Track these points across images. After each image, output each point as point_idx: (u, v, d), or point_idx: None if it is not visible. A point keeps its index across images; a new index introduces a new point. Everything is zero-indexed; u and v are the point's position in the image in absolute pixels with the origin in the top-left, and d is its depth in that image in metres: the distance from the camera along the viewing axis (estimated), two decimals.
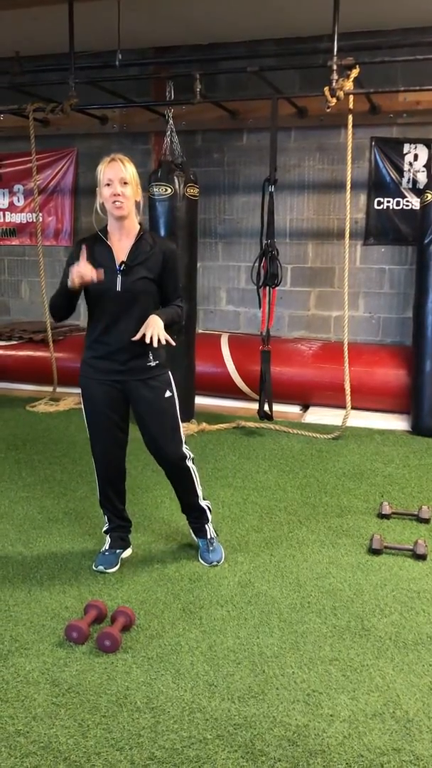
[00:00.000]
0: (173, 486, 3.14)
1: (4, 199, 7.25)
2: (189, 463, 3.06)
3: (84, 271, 2.73)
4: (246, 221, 6.39)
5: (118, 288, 2.84)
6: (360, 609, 2.77)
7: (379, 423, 5.42)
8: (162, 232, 5.10)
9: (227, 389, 5.82)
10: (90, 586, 2.91)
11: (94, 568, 3.06)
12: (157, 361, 2.94)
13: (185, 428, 5.11)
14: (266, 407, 5.23)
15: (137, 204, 2.91)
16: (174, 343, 2.83)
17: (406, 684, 2.31)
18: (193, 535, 3.24)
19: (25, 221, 7.21)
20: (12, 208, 7.25)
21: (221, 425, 5.29)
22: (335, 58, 4.58)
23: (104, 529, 3.18)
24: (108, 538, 3.15)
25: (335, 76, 4.61)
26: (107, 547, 3.13)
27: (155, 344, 2.77)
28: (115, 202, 2.82)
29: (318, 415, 5.60)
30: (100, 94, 5.84)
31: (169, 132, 5.21)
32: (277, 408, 5.40)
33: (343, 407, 5.15)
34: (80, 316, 7.14)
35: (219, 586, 2.93)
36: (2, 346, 6.52)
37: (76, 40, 5.00)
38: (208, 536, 3.17)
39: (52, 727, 2.09)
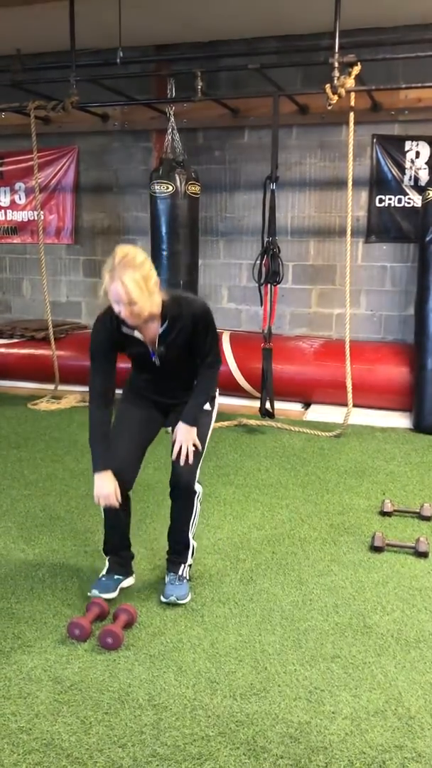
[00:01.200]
0: (172, 508, 2.85)
1: (6, 197, 7.25)
2: (197, 487, 2.81)
3: (110, 498, 2.65)
4: (247, 219, 6.38)
5: (157, 363, 2.76)
6: (362, 606, 2.77)
7: (380, 420, 5.41)
8: (163, 230, 5.11)
9: (229, 387, 5.81)
10: (91, 584, 2.91)
11: (89, 594, 2.78)
12: (206, 406, 2.85)
13: None
14: (268, 405, 5.23)
15: (154, 290, 2.59)
16: (201, 450, 2.77)
17: (408, 681, 2.31)
18: (166, 572, 2.89)
19: (26, 219, 7.21)
20: (13, 206, 7.25)
21: (223, 423, 5.29)
22: (337, 55, 4.57)
23: (103, 548, 2.93)
24: (107, 562, 2.90)
25: (337, 74, 4.61)
26: (105, 572, 2.87)
27: (190, 462, 2.71)
28: (129, 319, 2.59)
29: (320, 413, 5.60)
30: (102, 91, 5.83)
31: (170, 130, 5.22)
32: (279, 406, 5.40)
33: (345, 405, 5.15)
34: (81, 315, 7.16)
35: (221, 584, 2.93)
36: (4, 344, 6.53)
37: (78, 37, 5.00)
38: (179, 572, 2.84)
39: (54, 724, 2.09)
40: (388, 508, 3.66)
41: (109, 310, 2.64)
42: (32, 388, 6.33)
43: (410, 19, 5.41)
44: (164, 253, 5.15)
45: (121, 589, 2.85)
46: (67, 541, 3.33)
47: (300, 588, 2.91)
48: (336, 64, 4.59)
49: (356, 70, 4.68)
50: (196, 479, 2.80)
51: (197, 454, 2.78)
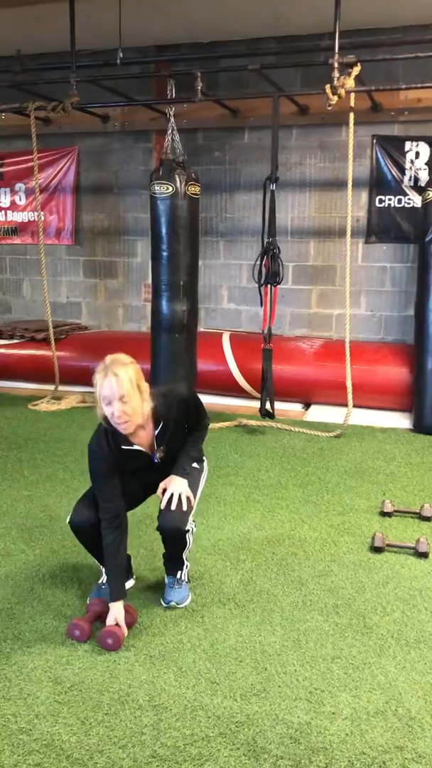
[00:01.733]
0: (163, 541, 2.78)
1: (6, 197, 7.25)
2: (188, 537, 2.75)
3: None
4: (247, 219, 6.39)
5: (156, 460, 2.73)
6: (362, 607, 2.77)
7: (380, 421, 5.42)
8: (163, 231, 5.11)
9: (229, 387, 5.82)
10: (92, 585, 2.91)
11: (87, 601, 2.75)
12: (194, 464, 2.84)
13: None
14: (268, 405, 5.23)
15: (143, 398, 2.59)
16: (193, 504, 2.73)
17: (409, 682, 2.31)
18: (165, 576, 2.87)
19: (26, 220, 7.21)
20: (14, 206, 7.25)
21: (223, 423, 5.29)
22: (336, 56, 4.58)
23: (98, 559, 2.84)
24: (104, 570, 2.79)
25: (336, 74, 4.61)
26: (104, 580, 2.77)
27: (181, 507, 2.64)
28: (119, 424, 2.54)
29: (320, 413, 5.61)
30: (102, 92, 5.84)
31: (170, 130, 5.21)
32: (279, 406, 5.40)
33: (345, 405, 5.15)
34: (81, 315, 7.16)
35: (221, 584, 2.93)
36: (4, 344, 6.53)
37: (78, 38, 5.00)
38: (177, 576, 2.83)
39: (54, 725, 2.09)
40: (389, 508, 3.66)
41: (102, 431, 2.62)
42: (32, 389, 6.33)
43: (410, 20, 5.42)
44: (164, 253, 5.14)
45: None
46: (67, 542, 3.33)
47: (300, 588, 2.91)
48: (336, 65, 4.59)
49: (356, 70, 4.69)
50: (189, 529, 2.72)
51: (189, 507, 2.69)
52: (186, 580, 2.85)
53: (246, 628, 2.61)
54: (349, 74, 4.67)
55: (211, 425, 5.23)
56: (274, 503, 3.85)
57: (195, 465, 2.83)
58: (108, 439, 2.62)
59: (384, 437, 5.09)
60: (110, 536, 2.61)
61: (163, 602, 2.78)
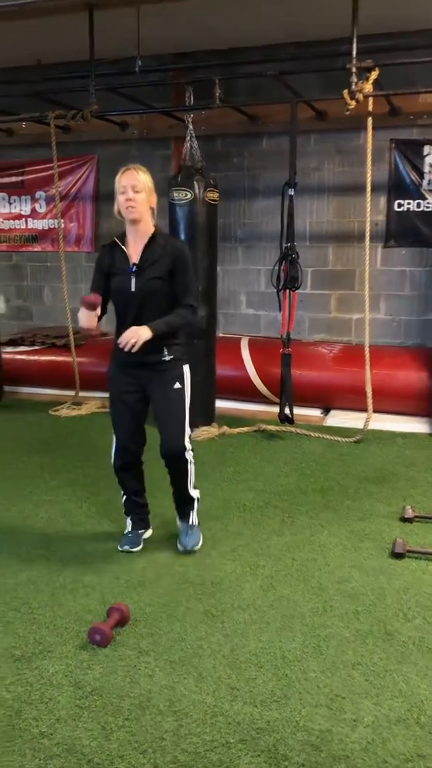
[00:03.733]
0: (169, 474, 3.29)
1: (27, 205, 7.32)
2: (188, 456, 3.21)
3: (87, 324, 3.12)
4: (266, 225, 6.39)
5: (132, 288, 3.10)
6: (383, 613, 2.75)
7: (401, 426, 5.38)
8: (182, 237, 5.12)
9: (248, 392, 5.82)
10: (113, 590, 2.93)
11: (119, 548, 3.28)
12: (172, 356, 3.16)
13: (206, 432, 5.16)
14: (287, 410, 5.22)
15: (152, 210, 3.15)
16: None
17: (431, 689, 2.28)
18: (177, 520, 3.41)
19: (47, 227, 7.28)
20: (34, 214, 7.32)
21: (242, 428, 5.29)
22: (354, 61, 4.57)
23: (123, 510, 3.41)
24: (129, 521, 3.38)
25: (354, 79, 4.60)
26: (129, 529, 3.37)
27: (126, 350, 3.01)
28: (128, 207, 3.06)
29: (339, 419, 5.58)
30: (120, 100, 5.88)
31: (188, 137, 5.24)
32: (298, 411, 5.39)
33: (365, 410, 5.12)
34: (102, 322, 7.20)
35: (241, 590, 2.93)
36: (25, 351, 6.58)
37: (97, 47, 5.05)
38: (190, 521, 3.34)
39: (75, 730, 2.10)
40: (409, 514, 3.64)
41: (118, 234, 3.19)
42: (53, 395, 6.38)
43: (428, 23, 5.39)
44: None
45: (144, 593, 2.86)
46: (88, 547, 3.35)
47: (320, 594, 2.90)
48: (354, 70, 4.58)
49: (374, 75, 4.68)
50: (186, 447, 3.19)
51: (182, 419, 3.17)
52: (197, 523, 3.35)
53: (266, 633, 2.61)
54: (367, 79, 4.66)
55: (230, 430, 5.27)
56: (293, 509, 3.84)
57: (177, 385, 3.17)
58: (112, 240, 3.21)
59: (404, 442, 5.05)
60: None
61: (179, 547, 3.27)
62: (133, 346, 2.99)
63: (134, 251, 3.13)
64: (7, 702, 2.23)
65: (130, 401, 3.20)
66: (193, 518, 3.36)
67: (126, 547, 3.28)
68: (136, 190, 3.06)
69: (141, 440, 3.28)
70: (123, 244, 3.16)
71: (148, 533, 3.43)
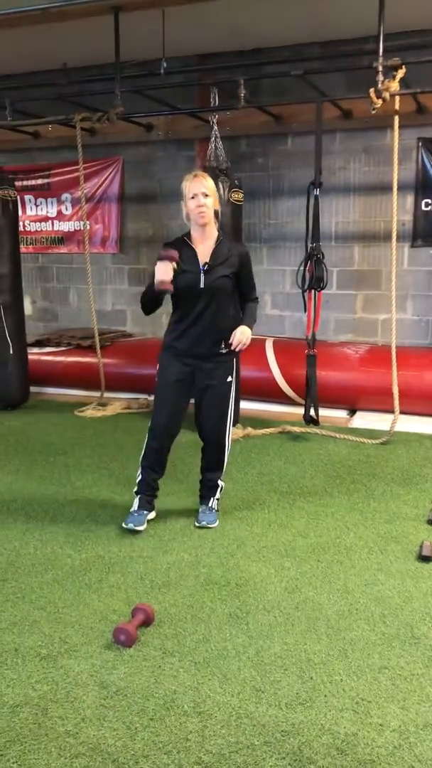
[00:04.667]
0: (204, 458, 3.59)
1: (53, 207, 7.39)
2: (227, 442, 3.52)
3: (164, 276, 3.21)
4: (291, 225, 6.37)
5: (202, 285, 3.31)
6: (409, 617, 2.72)
7: (428, 427, 5.32)
8: None
9: (273, 394, 5.80)
10: (137, 590, 2.93)
11: (123, 525, 3.49)
12: (227, 349, 3.40)
13: (231, 433, 5.15)
14: (312, 412, 5.19)
15: (216, 213, 3.37)
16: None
17: None
18: (199, 502, 3.66)
19: (72, 229, 7.33)
20: (60, 216, 7.38)
21: (267, 430, 5.27)
22: (380, 59, 4.53)
23: (135, 489, 3.62)
24: (137, 500, 3.59)
25: (381, 77, 4.56)
26: (136, 508, 3.57)
27: (238, 350, 3.35)
28: (200, 212, 3.27)
29: (365, 420, 5.54)
30: (145, 102, 5.90)
31: (213, 138, 5.24)
32: (324, 413, 5.36)
33: (391, 412, 5.07)
34: (127, 323, 7.24)
35: (266, 592, 2.92)
36: (51, 352, 6.64)
37: (122, 49, 5.07)
38: (210, 504, 3.61)
39: (100, 729, 2.11)
40: None
41: (184, 234, 3.38)
42: (79, 396, 6.42)
43: None
44: None
45: (168, 594, 2.86)
46: (113, 547, 3.36)
47: (346, 597, 2.87)
48: (380, 68, 4.54)
49: (401, 73, 4.62)
50: (227, 435, 3.50)
51: (225, 412, 3.47)
52: (216, 509, 3.61)
53: (291, 636, 2.59)
54: (394, 77, 4.61)
55: (255, 431, 5.27)
56: (318, 510, 3.81)
57: (228, 378, 3.46)
58: (179, 238, 3.40)
59: None
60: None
61: (196, 523, 3.52)
62: (239, 343, 3.31)
63: (203, 251, 3.34)
64: (33, 700, 2.24)
65: (179, 387, 3.43)
66: (213, 503, 3.63)
67: (130, 525, 3.47)
68: (206, 195, 3.27)
69: (179, 426, 3.52)
70: (191, 243, 3.35)
71: (151, 515, 3.61)
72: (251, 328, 3.40)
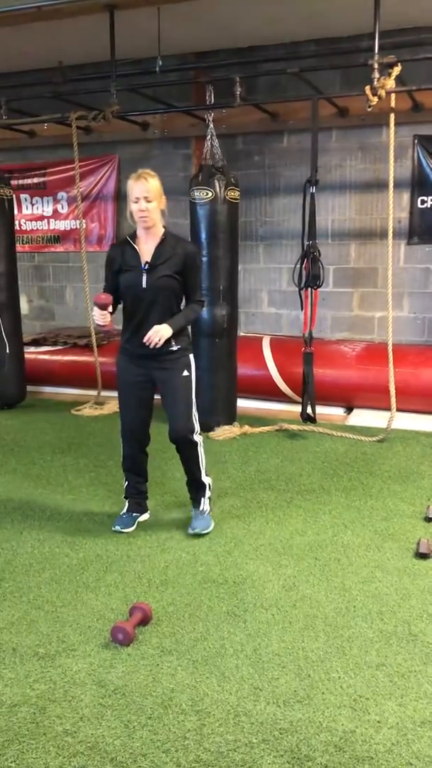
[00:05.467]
0: (181, 459, 3.49)
1: (49, 206, 7.38)
2: (196, 438, 3.42)
3: (102, 322, 3.27)
4: (287, 223, 6.37)
5: (144, 285, 3.27)
6: (407, 614, 2.72)
7: (425, 425, 5.32)
8: (203, 236, 5.12)
9: (269, 392, 5.80)
10: (135, 589, 2.93)
11: (112, 528, 3.50)
12: (179, 346, 3.35)
13: (227, 431, 5.15)
14: (309, 409, 5.19)
15: (162, 212, 3.31)
16: (174, 347, 3.33)
17: None
18: (191, 507, 3.59)
19: (68, 228, 7.32)
20: (56, 215, 7.37)
21: (264, 428, 5.28)
22: (376, 57, 4.53)
23: (123, 495, 3.65)
24: (126, 503, 3.61)
25: (376, 75, 4.56)
26: (125, 511, 3.60)
27: (151, 347, 3.23)
28: (141, 217, 3.24)
29: (362, 418, 5.54)
30: (141, 100, 5.89)
31: (209, 136, 5.23)
32: (320, 410, 5.36)
33: (388, 409, 5.08)
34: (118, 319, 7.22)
35: (263, 590, 2.92)
36: (48, 351, 6.63)
37: (117, 48, 5.06)
38: (200, 507, 3.54)
39: (98, 728, 2.11)
40: None
41: (130, 233, 3.35)
42: (76, 395, 6.42)
43: None
44: (204, 258, 5.15)
45: (166, 593, 2.86)
46: (111, 546, 3.36)
47: (343, 595, 2.88)
48: (376, 66, 4.54)
49: (396, 70, 4.62)
50: (192, 422, 3.38)
51: (189, 404, 3.36)
52: (208, 509, 3.55)
53: (289, 633, 2.59)
54: (390, 74, 4.61)
55: (252, 429, 5.27)
56: (316, 508, 3.82)
57: (185, 372, 3.36)
58: (124, 238, 3.39)
59: (429, 441, 5.00)
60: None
61: (189, 530, 3.43)
62: (156, 342, 3.22)
63: (146, 250, 3.30)
64: (31, 699, 2.24)
65: (139, 389, 3.40)
66: (204, 505, 3.55)
67: (117, 527, 3.50)
68: (149, 200, 3.22)
69: (147, 429, 3.50)
70: (134, 243, 3.32)
71: (144, 517, 3.63)
72: (173, 328, 3.25)
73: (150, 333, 3.23)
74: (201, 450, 3.48)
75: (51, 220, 7.39)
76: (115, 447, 4.89)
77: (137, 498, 3.62)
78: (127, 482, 3.62)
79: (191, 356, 3.43)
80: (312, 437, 5.13)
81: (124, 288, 3.32)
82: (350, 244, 6.26)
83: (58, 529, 3.56)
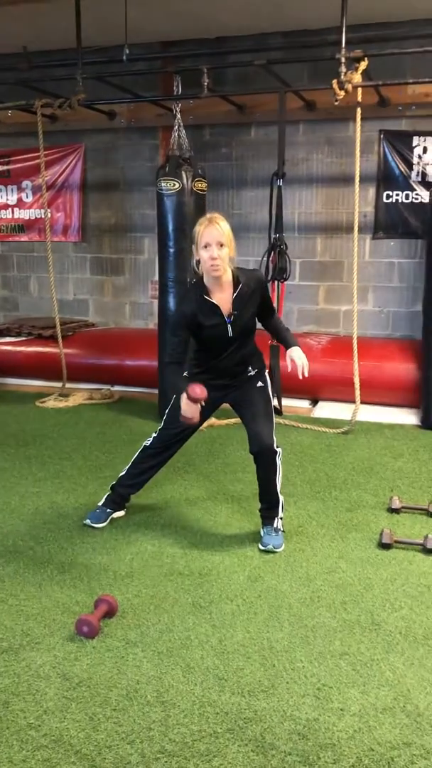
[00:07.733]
0: (258, 473, 3.26)
1: (13, 195, 7.26)
2: (278, 450, 3.24)
3: (192, 416, 2.97)
4: (254, 216, 6.37)
5: (230, 334, 3.13)
6: (370, 603, 2.76)
7: (388, 417, 5.40)
8: (170, 227, 5.09)
9: None
10: (100, 581, 2.92)
11: (83, 522, 3.46)
12: (256, 369, 3.30)
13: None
14: (275, 402, 5.21)
15: (231, 259, 3.04)
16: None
17: (417, 678, 2.30)
18: (261, 527, 3.32)
19: (33, 217, 7.22)
20: (20, 204, 7.26)
21: (230, 420, 5.28)
22: (343, 51, 4.55)
23: (108, 492, 3.55)
24: (105, 497, 3.53)
25: (343, 69, 4.59)
26: (101, 504, 3.51)
27: (304, 375, 3.17)
28: (212, 266, 2.97)
29: (327, 410, 5.59)
30: (108, 89, 5.83)
31: (176, 126, 5.20)
32: (287, 403, 5.40)
33: (353, 402, 5.13)
34: (89, 312, 7.17)
35: (229, 581, 2.93)
36: (11, 342, 6.54)
37: (84, 35, 5.00)
38: (275, 525, 3.28)
39: (63, 721, 2.10)
40: (396, 504, 3.65)
41: (190, 287, 3.19)
42: (40, 386, 6.35)
43: (418, 14, 5.38)
44: (171, 250, 5.13)
45: (132, 585, 2.85)
46: (76, 539, 3.34)
47: (308, 585, 2.91)
48: (343, 60, 4.57)
49: (363, 65, 4.66)
50: (275, 442, 3.22)
51: (270, 419, 3.25)
52: (282, 529, 3.29)
53: (254, 624, 2.61)
54: (356, 69, 4.65)
55: (218, 422, 5.28)
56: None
57: (259, 383, 3.27)
58: (194, 291, 3.11)
59: (392, 434, 5.07)
60: (176, 368, 3.13)
61: (261, 546, 3.21)
62: (303, 367, 3.18)
63: (224, 300, 3.08)
64: None
65: (207, 409, 3.17)
66: (278, 523, 3.29)
67: (88, 522, 3.44)
68: (221, 245, 2.95)
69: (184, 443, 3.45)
70: (210, 297, 3.07)
71: (119, 514, 3.54)
72: (299, 345, 3.24)
73: (299, 364, 3.16)
74: (280, 462, 3.27)
75: (15, 209, 7.28)
76: (81, 439, 4.87)
77: (120, 496, 3.53)
78: (121, 492, 3.52)
79: (266, 372, 3.35)
80: (278, 429, 5.12)
81: (208, 339, 3.14)
82: (316, 237, 6.30)
83: (22, 522, 3.52)
